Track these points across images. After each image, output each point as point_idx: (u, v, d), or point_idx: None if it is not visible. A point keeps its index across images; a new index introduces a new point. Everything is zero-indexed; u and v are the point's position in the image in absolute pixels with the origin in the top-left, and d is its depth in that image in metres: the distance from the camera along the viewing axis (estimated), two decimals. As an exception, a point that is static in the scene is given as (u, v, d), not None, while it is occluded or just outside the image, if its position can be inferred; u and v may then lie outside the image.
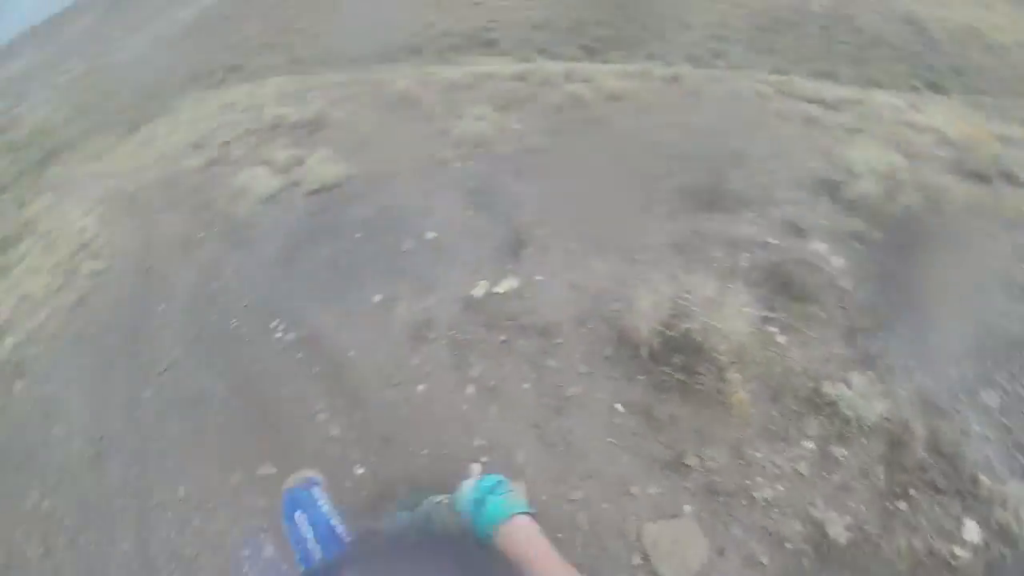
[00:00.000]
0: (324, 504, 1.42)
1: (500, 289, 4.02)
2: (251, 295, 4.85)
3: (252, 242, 5.71)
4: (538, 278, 4.05)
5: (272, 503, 3.03)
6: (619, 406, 3.08)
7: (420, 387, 3.45)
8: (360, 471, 3.10)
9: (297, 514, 1.39)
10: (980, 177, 4.97)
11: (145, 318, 5.21)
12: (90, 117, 20.80)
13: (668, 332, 3.14)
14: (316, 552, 1.31)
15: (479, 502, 1.05)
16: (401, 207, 5.37)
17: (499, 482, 1.13)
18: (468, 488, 1.12)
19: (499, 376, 3.39)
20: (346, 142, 7.64)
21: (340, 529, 1.37)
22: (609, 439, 2.95)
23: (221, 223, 6.38)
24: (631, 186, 5.09)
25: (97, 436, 4.15)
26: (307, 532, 1.34)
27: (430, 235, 4.74)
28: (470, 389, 3.35)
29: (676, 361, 3.12)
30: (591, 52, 17.95)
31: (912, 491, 2.63)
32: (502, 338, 3.60)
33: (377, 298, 4.23)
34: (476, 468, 1.22)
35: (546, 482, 2.81)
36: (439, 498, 1.24)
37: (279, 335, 4.27)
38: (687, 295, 3.22)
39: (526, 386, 3.30)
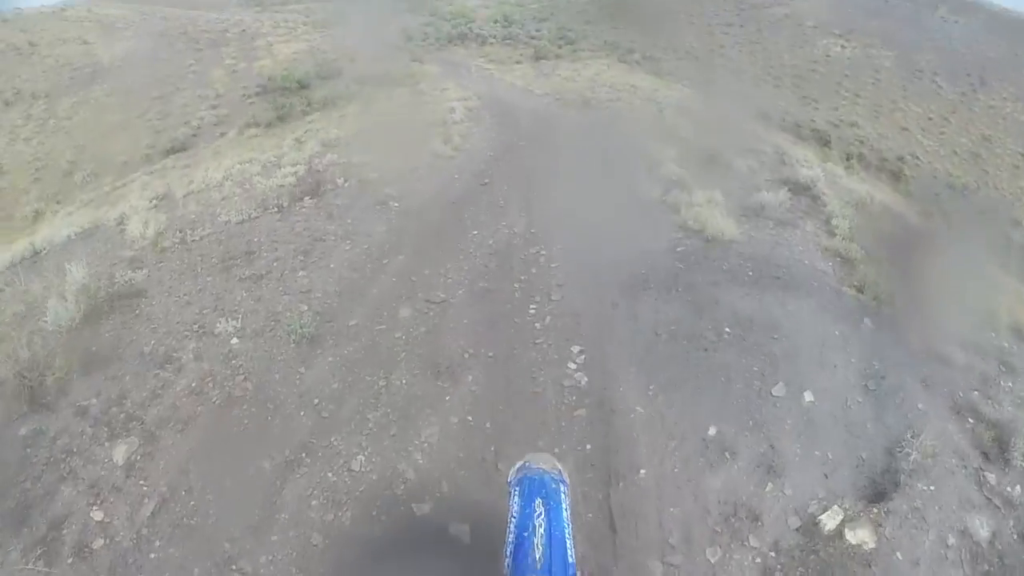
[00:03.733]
0: (565, 510, 1.30)
1: (852, 538, 2.82)
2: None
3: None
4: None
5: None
6: None
7: None
8: None
9: (538, 500, 1.28)
10: None
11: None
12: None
13: None
14: (536, 552, 1.20)
15: None
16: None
17: None
18: None
19: None
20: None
21: (571, 549, 1.25)
22: None
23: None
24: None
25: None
26: (539, 525, 1.24)
27: (808, 397, 3.53)
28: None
29: None
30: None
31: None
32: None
33: (712, 431, 3.23)
34: None
35: None
36: None
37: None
38: None
39: None
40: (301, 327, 3.89)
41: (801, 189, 8.79)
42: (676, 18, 30.94)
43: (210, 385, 3.68)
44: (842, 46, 28.09)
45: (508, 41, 24.42)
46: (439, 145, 9.43)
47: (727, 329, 3.78)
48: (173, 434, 3.41)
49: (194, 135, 20.29)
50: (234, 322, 4.14)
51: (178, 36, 26.17)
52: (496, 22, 26.30)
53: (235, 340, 4.00)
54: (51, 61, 24.28)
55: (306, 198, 6.70)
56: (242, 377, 3.67)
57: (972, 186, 19.74)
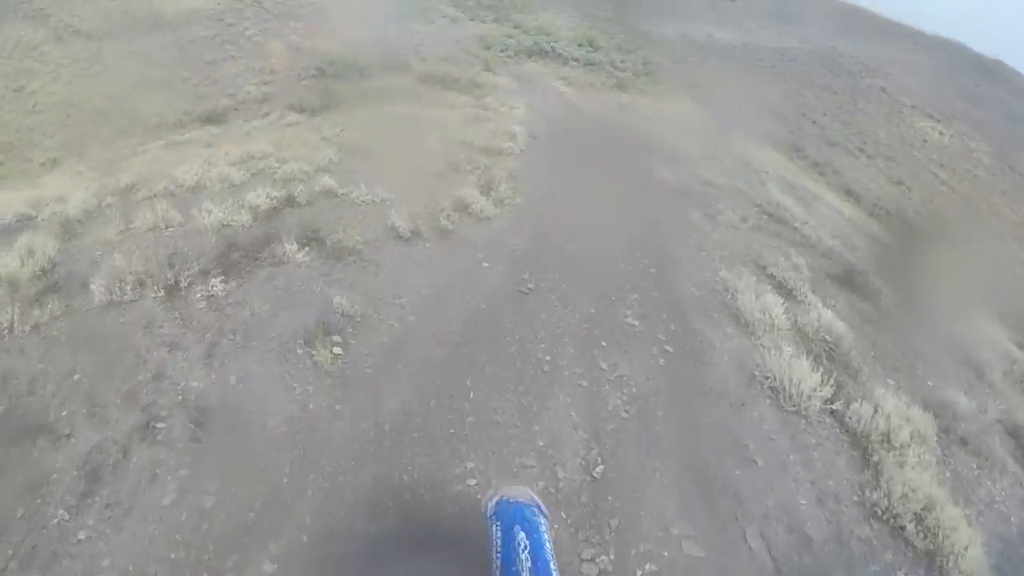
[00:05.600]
0: (548, 542, 1.20)
1: None
2: None
3: None
4: None
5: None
6: None
7: None
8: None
9: (517, 528, 1.19)
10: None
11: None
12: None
13: None
14: None
15: None
16: None
17: None
18: None
19: None
20: None
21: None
22: None
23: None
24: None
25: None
26: (523, 556, 1.13)
27: None
28: None
29: None
30: None
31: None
32: None
33: None
34: None
35: None
36: None
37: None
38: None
39: None
40: None
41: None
42: (764, 70, 27.74)
43: None
44: (940, 132, 24.64)
45: (590, 66, 21.41)
46: (477, 195, 6.42)
47: None
48: None
49: (235, 108, 18.02)
50: None
51: (250, 3, 24.03)
52: (581, 45, 23.38)
53: None
54: (114, 4, 22.42)
55: (218, 280, 3.84)
56: None
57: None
